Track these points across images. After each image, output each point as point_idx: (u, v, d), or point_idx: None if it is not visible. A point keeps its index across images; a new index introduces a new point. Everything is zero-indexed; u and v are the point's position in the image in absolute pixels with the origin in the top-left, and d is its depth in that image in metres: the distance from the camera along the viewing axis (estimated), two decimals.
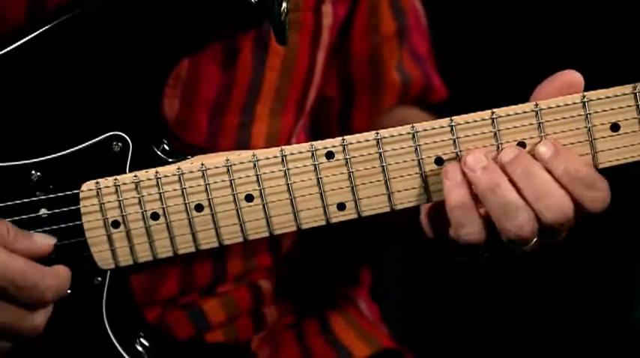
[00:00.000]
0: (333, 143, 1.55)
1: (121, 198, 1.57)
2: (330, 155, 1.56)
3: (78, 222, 1.58)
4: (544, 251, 1.57)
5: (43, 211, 1.58)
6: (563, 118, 1.53)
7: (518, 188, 1.51)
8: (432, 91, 2.00)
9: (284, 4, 1.57)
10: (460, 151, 1.53)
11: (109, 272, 1.59)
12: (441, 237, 1.60)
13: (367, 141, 1.55)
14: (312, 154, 1.56)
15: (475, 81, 2.77)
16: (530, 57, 2.84)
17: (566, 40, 2.85)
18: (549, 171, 1.51)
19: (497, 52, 2.91)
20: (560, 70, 1.54)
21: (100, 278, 1.59)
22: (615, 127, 1.52)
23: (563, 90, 1.53)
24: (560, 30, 2.86)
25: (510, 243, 1.52)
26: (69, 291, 1.58)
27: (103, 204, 1.57)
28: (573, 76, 1.53)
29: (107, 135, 1.58)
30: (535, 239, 1.52)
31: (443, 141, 1.54)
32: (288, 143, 1.82)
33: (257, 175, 1.56)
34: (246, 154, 1.56)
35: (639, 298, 2.96)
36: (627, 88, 1.52)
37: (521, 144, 1.53)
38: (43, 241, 1.57)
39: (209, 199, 1.57)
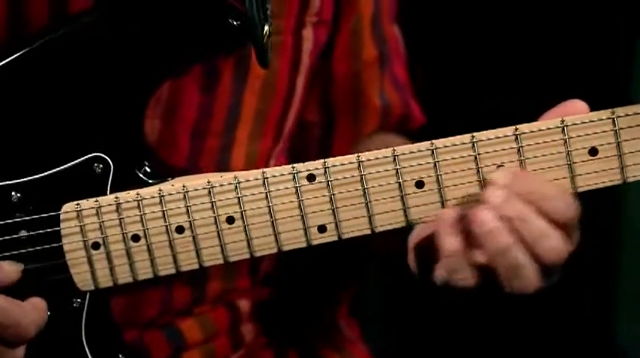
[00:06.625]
0: (314, 165, 1.56)
1: (101, 220, 1.57)
2: (311, 177, 1.56)
3: (58, 244, 1.57)
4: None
5: (22, 233, 1.57)
6: (543, 142, 1.54)
7: (518, 235, 1.49)
8: (411, 118, 2.01)
9: (266, 27, 1.58)
10: (440, 174, 1.54)
11: (88, 294, 1.58)
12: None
13: (349, 163, 1.55)
14: (294, 176, 1.56)
15: (450, 107, 2.78)
16: (507, 83, 2.85)
17: (543, 65, 2.87)
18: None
19: (474, 78, 2.92)
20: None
21: (79, 300, 1.58)
22: (593, 152, 1.54)
23: None
24: (538, 55, 2.88)
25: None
26: (48, 313, 1.57)
27: (84, 225, 1.57)
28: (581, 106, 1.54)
29: (88, 156, 1.58)
30: None
31: (423, 164, 1.55)
32: (267, 166, 1.82)
33: (238, 197, 1.56)
34: (227, 176, 1.56)
35: (620, 317, 2.97)
36: (605, 113, 1.53)
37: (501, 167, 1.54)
38: (11, 268, 1.55)
39: (190, 221, 1.56)
